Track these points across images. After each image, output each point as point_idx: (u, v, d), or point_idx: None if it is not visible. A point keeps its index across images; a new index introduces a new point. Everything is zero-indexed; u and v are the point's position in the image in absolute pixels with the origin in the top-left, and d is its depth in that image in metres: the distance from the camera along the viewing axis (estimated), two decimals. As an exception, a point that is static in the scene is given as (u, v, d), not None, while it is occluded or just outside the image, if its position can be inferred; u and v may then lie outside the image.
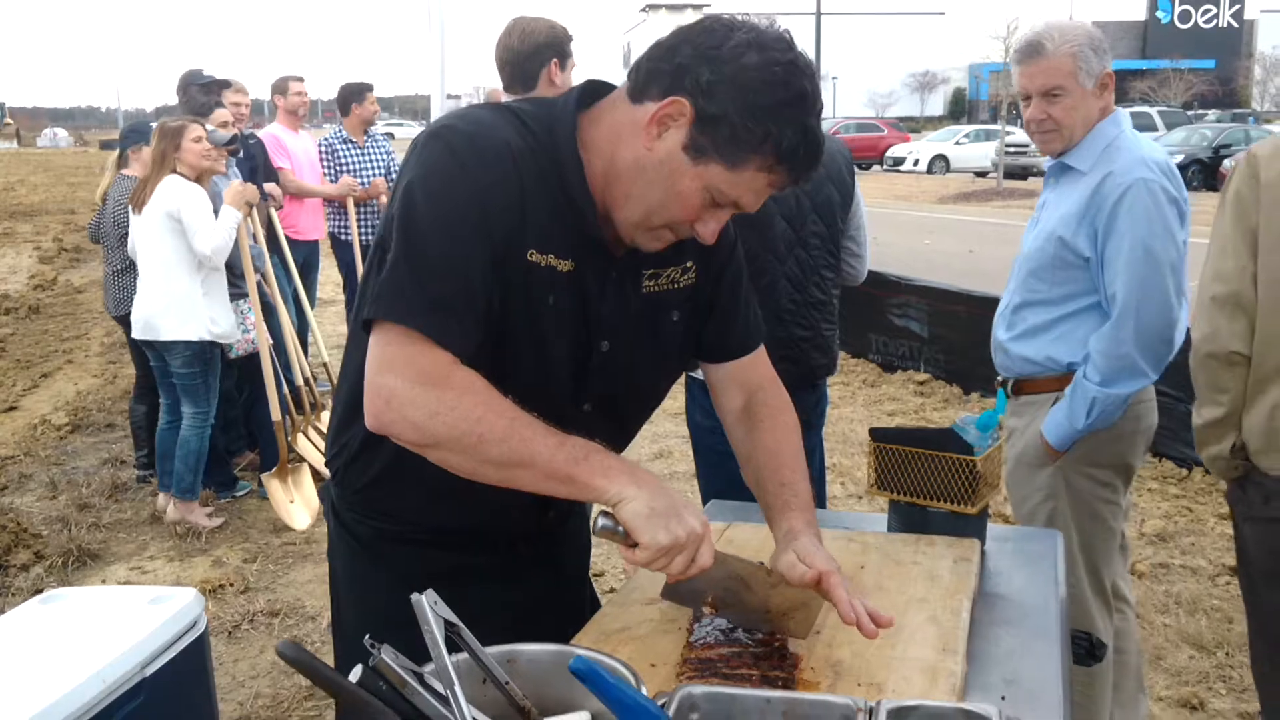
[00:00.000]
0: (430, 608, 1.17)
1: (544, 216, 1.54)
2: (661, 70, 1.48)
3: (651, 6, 71.26)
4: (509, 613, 1.66)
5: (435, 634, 1.16)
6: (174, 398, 5.09)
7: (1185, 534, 4.93)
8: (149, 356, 5.14)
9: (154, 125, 5.00)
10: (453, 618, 1.20)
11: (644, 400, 1.81)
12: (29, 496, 5.62)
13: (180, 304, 4.86)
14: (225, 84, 6.32)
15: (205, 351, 5.00)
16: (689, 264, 1.71)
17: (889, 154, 35.66)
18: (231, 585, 4.52)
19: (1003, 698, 1.53)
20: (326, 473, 1.90)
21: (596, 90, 1.61)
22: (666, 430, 6.63)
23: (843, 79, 63.94)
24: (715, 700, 1.22)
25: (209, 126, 5.11)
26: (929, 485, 2.03)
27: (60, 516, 5.24)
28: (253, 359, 5.33)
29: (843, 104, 62.53)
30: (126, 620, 2.98)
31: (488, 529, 1.74)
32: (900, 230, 17.84)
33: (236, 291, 5.14)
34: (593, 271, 1.59)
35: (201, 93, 6.05)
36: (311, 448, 5.67)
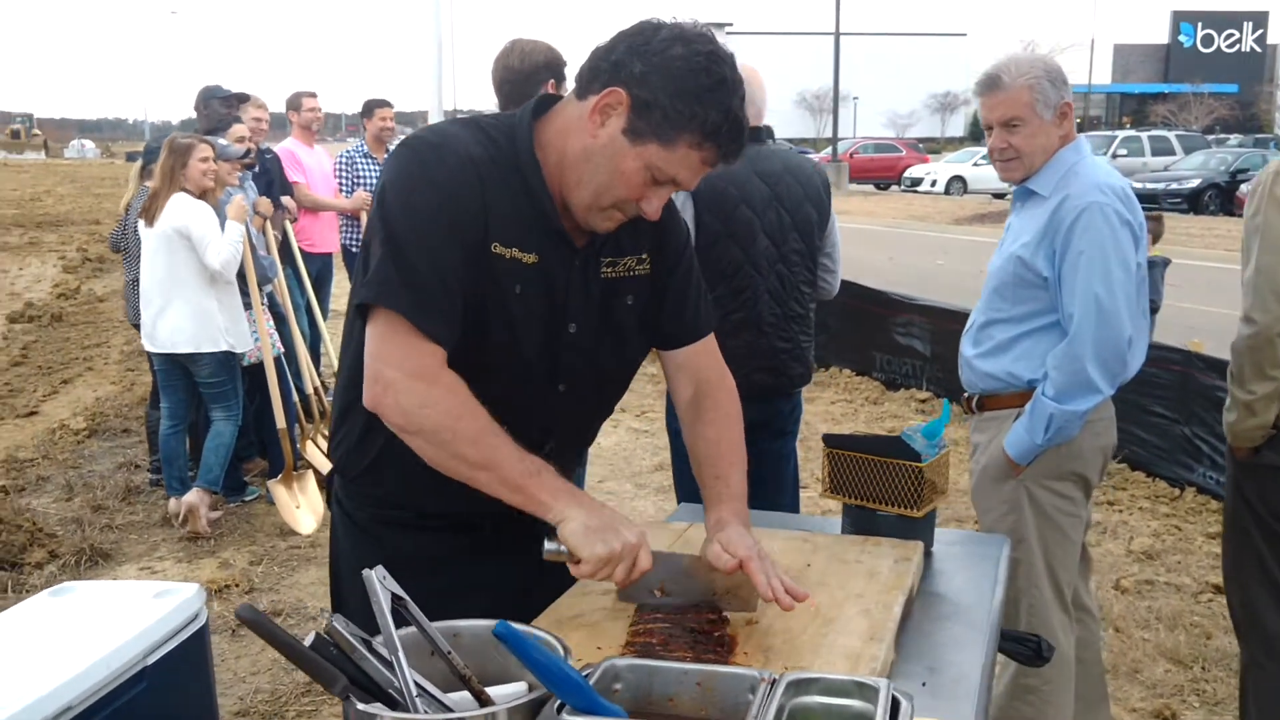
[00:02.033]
0: (379, 582, 1.30)
1: (508, 215, 1.74)
2: (601, 67, 1.68)
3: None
4: (497, 591, 1.81)
5: (382, 605, 1.29)
6: (173, 402, 5.26)
7: (1172, 552, 5.01)
8: (154, 362, 5.30)
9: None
10: (400, 592, 1.32)
11: (611, 381, 2.00)
12: (46, 498, 5.79)
13: (197, 317, 5.03)
14: (244, 98, 6.52)
15: (228, 359, 5.20)
16: (644, 255, 1.90)
17: (906, 175, 35.72)
18: (237, 586, 4.66)
19: (923, 684, 1.65)
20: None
21: (550, 101, 1.81)
22: (667, 443, 6.74)
23: (863, 100, 64.04)
24: (637, 671, 1.35)
25: (222, 141, 5.28)
26: (878, 490, 2.15)
27: (75, 517, 5.40)
28: (263, 367, 5.48)
29: (863, 125, 62.60)
30: (131, 612, 3.11)
31: (474, 511, 1.87)
32: (914, 250, 17.94)
33: (245, 301, 5.31)
34: (557, 261, 1.79)
35: (222, 105, 6.26)
36: (319, 454, 5.81)
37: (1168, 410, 5.95)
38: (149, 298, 5.10)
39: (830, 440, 2.22)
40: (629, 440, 6.92)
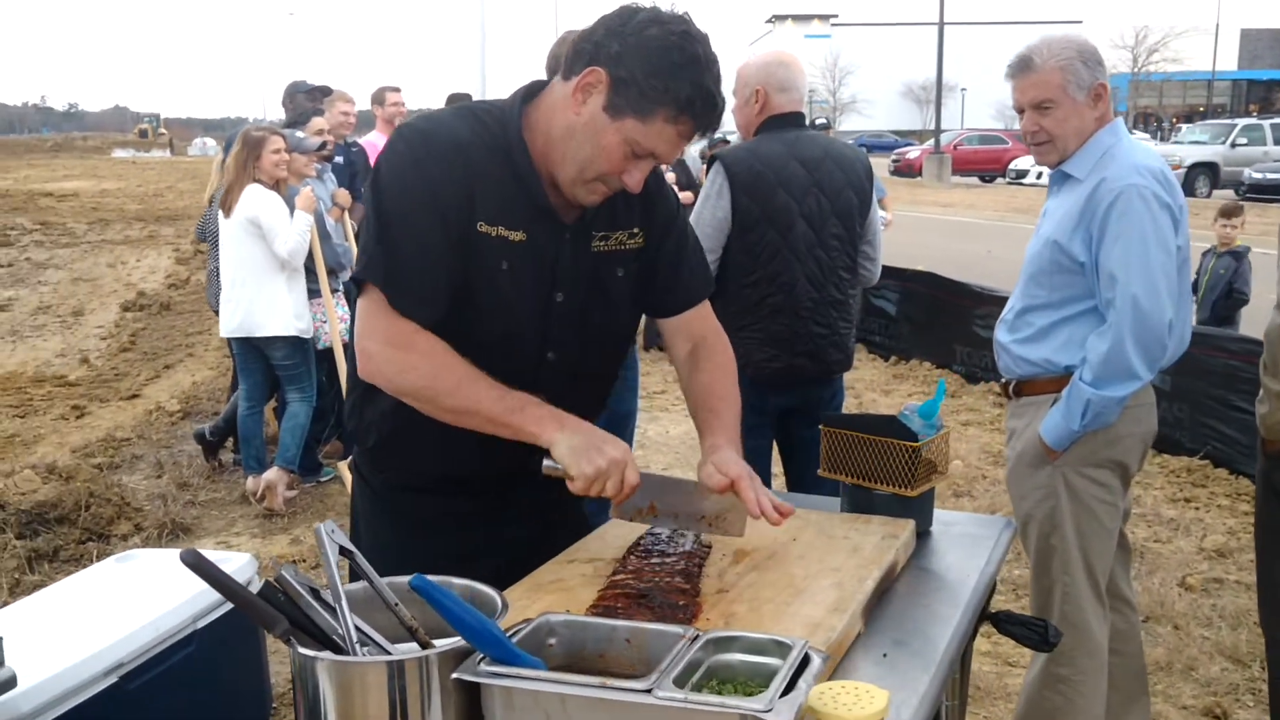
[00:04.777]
0: (327, 535, 1.37)
1: (496, 196, 1.84)
2: (583, 50, 1.79)
3: (777, 17, 71.16)
4: (507, 551, 1.94)
5: (330, 557, 1.36)
6: (250, 384, 5.49)
7: (1246, 550, 4.82)
8: (232, 346, 5.55)
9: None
10: (349, 545, 1.40)
11: (600, 352, 2.07)
12: (137, 475, 6.10)
13: (268, 302, 5.25)
14: (326, 91, 6.78)
15: (301, 342, 5.41)
16: (636, 229, 1.99)
17: (1011, 166, 34.81)
18: (304, 561, 4.85)
19: (884, 655, 1.66)
20: None
21: (541, 87, 1.91)
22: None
23: (972, 90, 62.69)
24: (571, 627, 1.40)
25: (299, 134, 5.48)
26: (873, 469, 2.15)
27: (161, 494, 5.68)
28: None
29: (971, 116, 61.26)
30: (185, 579, 3.28)
31: (481, 475, 2.00)
32: (1013, 244, 17.48)
33: (314, 288, 5.50)
34: (546, 238, 1.89)
35: (308, 99, 6.52)
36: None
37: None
38: (226, 285, 5.34)
39: (828, 420, 2.24)
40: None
